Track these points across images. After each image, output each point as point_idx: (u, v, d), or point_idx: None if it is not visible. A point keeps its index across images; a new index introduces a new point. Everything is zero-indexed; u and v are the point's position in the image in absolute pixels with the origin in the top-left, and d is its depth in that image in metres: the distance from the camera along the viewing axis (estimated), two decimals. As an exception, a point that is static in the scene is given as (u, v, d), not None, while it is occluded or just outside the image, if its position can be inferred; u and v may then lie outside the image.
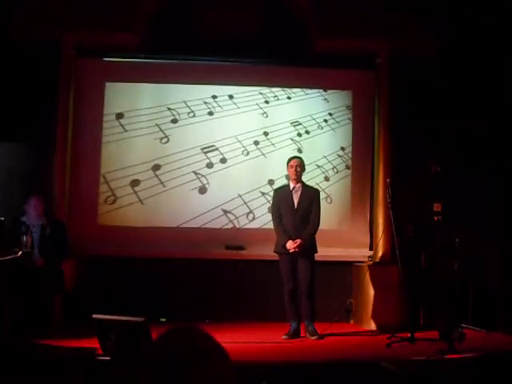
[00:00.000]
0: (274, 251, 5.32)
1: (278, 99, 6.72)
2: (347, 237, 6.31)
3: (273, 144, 6.65)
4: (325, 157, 6.60)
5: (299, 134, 6.65)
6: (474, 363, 3.99)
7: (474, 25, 6.06)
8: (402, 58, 6.21)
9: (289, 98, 6.72)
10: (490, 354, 4.30)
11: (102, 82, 6.36)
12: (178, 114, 6.50)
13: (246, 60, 6.55)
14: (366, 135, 6.53)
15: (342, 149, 6.62)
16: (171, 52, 6.43)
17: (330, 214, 6.16)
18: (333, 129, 6.69)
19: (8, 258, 4.68)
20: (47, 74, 6.01)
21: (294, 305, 5.22)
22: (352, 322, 6.14)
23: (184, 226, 6.20)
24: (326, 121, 6.70)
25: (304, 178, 5.55)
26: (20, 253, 4.74)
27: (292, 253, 5.14)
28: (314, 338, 5.09)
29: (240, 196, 6.43)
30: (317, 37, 6.23)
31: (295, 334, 5.16)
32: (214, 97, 6.63)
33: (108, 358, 3.52)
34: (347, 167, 6.57)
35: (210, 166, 6.46)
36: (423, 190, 6.09)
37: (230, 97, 6.62)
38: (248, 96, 6.69)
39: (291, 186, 5.38)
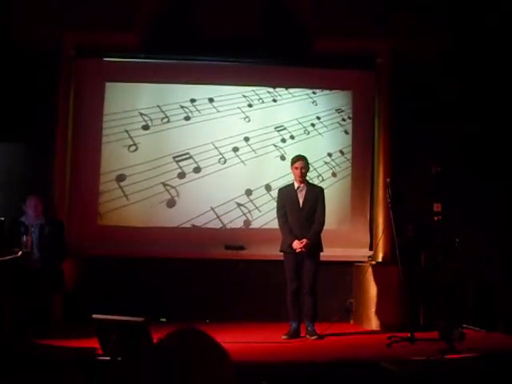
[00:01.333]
0: (280, 251, 5.32)
1: (262, 102, 6.57)
2: (347, 237, 6.31)
3: (254, 150, 6.46)
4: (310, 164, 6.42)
5: (283, 140, 6.50)
6: (473, 363, 3.99)
7: (474, 25, 6.06)
8: (401, 57, 6.21)
9: (274, 100, 6.58)
10: (490, 354, 4.30)
11: (102, 81, 6.36)
12: (151, 119, 6.39)
13: (246, 60, 6.54)
14: (365, 135, 6.52)
15: (329, 155, 6.50)
16: (171, 52, 6.43)
17: (330, 214, 6.13)
18: (320, 133, 6.55)
19: (8, 258, 4.68)
20: (47, 73, 6.01)
21: (296, 305, 5.22)
22: (352, 322, 6.14)
23: (184, 225, 6.19)
24: (313, 125, 6.57)
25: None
26: (20, 253, 4.75)
27: (298, 252, 5.14)
28: (313, 338, 5.09)
29: (213, 209, 6.25)
30: (317, 37, 6.23)
31: (295, 334, 5.16)
32: (193, 100, 6.46)
33: (108, 358, 3.52)
34: (333, 175, 6.47)
35: (181, 175, 6.29)
36: (423, 190, 6.09)
37: (210, 100, 6.46)
38: (229, 99, 6.53)
39: (296, 185, 5.39)
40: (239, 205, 6.31)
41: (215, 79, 6.48)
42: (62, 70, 6.08)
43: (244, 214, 6.27)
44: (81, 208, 6.13)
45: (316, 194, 5.36)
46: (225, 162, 6.40)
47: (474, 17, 6.05)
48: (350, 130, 6.61)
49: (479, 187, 5.91)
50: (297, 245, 5.14)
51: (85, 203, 6.17)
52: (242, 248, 6.17)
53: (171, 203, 6.23)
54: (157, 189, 6.23)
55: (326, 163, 6.48)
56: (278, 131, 6.54)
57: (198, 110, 6.46)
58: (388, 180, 5.48)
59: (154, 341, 1.06)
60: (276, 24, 6.39)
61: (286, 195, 5.40)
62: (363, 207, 6.44)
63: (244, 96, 6.56)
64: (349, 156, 6.54)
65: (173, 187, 6.26)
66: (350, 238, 6.31)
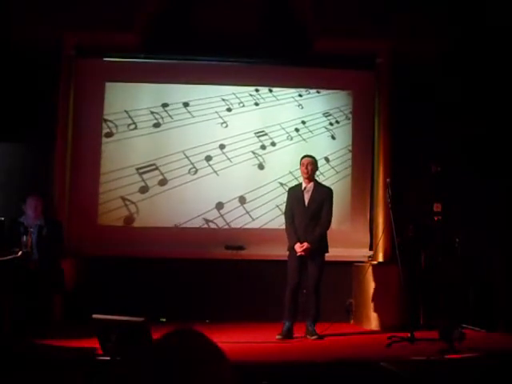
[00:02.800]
0: (287, 249, 5.31)
1: (243, 106, 6.39)
2: (347, 237, 6.30)
3: (229, 159, 6.27)
4: (290, 172, 6.25)
5: (263, 147, 6.36)
6: (473, 363, 3.99)
7: (474, 25, 6.05)
8: (402, 57, 6.21)
9: (256, 104, 6.45)
10: (490, 354, 4.30)
11: (102, 81, 6.36)
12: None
13: (246, 60, 6.54)
14: (365, 135, 6.52)
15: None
16: (171, 52, 6.42)
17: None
18: (304, 139, 6.43)
19: (8, 258, 4.68)
20: (47, 74, 6.01)
21: (293, 304, 5.22)
22: (352, 322, 6.14)
23: (184, 226, 6.19)
24: (297, 130, 6.46)
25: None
26: (20, 253, 4.75)
27: (298, 255, 5.15)
28: (313, 338, 5.09)
29: (177, 226, 6.11)
30: (317, 37, 6.23)
31: (288, 334, 5.14)
32: (165, 105, 6.29)
33: (108, 358, 3.52)
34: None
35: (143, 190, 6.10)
36: (423, 190, 6.09)
37: (185, 104, 6.32)
38: (205, 104, 6.34)
39: (303, 185, 5.38)
40: (207, 221, 6.13)
41: (215, 79, 6.47)
42: (61, 70, 6.08)
43: (213, 230, 6.07)
44: (81, 208, 6.13)
45: (323, 195, 5.33)
46: (196, 173, 6.19)
47: (474, 17, 6.05)
48: (336, 135, 6.51)
49: (479, 187, 5.91)
50: (298, 248, 5.15)
51: (85, 203, 6.16)
52: (241, 248, 6.17)
53: (129, 220, 6.09)
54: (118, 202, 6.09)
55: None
56: (258, 137, 6.35)
57: (170, 116, 6.28)
58: (388, 180, 5.47)
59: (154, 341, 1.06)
60: (276, 24, 6.39)
61: (293, 195, 5.40)
62: (363, 207, 6.44)
63: (223, 99, 6.30)
64: (334, 163, 6.45)
65: (132, 202, 6.08)
66: (350, 238, 6.31)
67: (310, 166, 5.35)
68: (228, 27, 6.22)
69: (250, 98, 6.46)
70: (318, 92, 6.59)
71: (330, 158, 6.46)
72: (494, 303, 5.81)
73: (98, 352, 3.78)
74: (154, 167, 6.16)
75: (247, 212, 6.18)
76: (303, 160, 5.38)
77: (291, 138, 6.45)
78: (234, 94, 6.44)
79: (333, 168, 6.45)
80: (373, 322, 5.77)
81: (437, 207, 5.98)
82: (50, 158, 6.02)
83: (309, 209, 5.28)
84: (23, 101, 5.99)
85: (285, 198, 5.70)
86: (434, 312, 5.73)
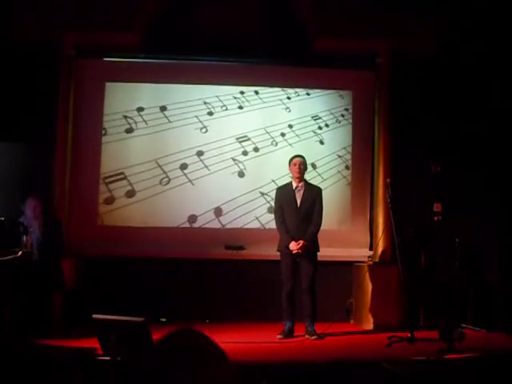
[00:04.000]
0: (277, 250, 5.32)
1: (226, 109, 6.22)
2: (347, 237, 6.30)
3: (206, 166, 6.13)
4: (273, 181, 6.10)
5: (245, 153, 6.24)
6: (473, 363, 3.99)
7: (474, 24, 6.05)
8: (402, 57, 6.21)
9: (240, 107, 6.33)
10: (490, 354, 4.30)
11: (102, 81, 6.35)
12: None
13: (246, 60, 6.53)
14: (365, 135, 6.52)
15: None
16: (171, 52, 6.42)
17: (330, 214, 6.13)
18: (290, 144, 6.32)
19: (8, 258, 4.68)
20: (47, 73, 6.01)
21: (291, 305, 5.23)
22: (352, 321, 6.14)
23: (184, 226, 6.19)
24: (283, 134, 6.27)
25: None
26: (20, 253, 4.75)
27: (295, 253, 5.15)
28: (313, 338, 5.09)
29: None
30: (317, 37, 6.23)
31: (289, 334, 5.17)
32: (141, 109, 6.16)
33: (108, 358, 3.52)
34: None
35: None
36: (423, 190, 6.09)
37: (163, 108, 6.19)
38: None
39: (294, 185, 5.38)
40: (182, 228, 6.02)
41: (214, 79, 6.46)
42: (61, 70, 6.08)
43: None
44: (81, 208, 6.13)
45: (314, 194, 5.35)
46: (168, 183, 6.06)
47: (474, 16, 6.05)
48: (324, 140, 6.43)
49: (479, 187, 5.91)
50: (293, 246, 5.14)
51: (85, 203, 6.16)
52: (241, 248, 6.17)
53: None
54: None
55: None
56: (240, 142, 6.21)
57: (145, 121, 6.20)
58: (388, 180, 5.47)
59: (154, 341, 1.06)
60: (276, 24, 6.39)
61: (283, 195, 5.39)
62: (363, 207, 6.44)
63: (204, 103, 6.16)
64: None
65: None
66: (350, 238, 6.31)
67: (302, 165, 5.36)
68: (228, 27, 6.22)
69: (234, 100, 6.36)
70: (308, 94, 6.51)
71: (318, 164, 6.34)
72: (493, 303, 5.81)
73: (97, 352, 3.78)
74: (122, 176, 6.04)
75: (223, 225, 6.09)
76: (295, 160, 5.38)
77: (276, 144, 6.36)
78: (217, 96, 6.31)
79: (319, 175, 6.32)
80: (373, 322, 5.76)
81: (437, 207, 5.99)
82: (50, 158, 6.02)
83: (301, 208, 5.28)
84: (23, 101, 5.99)
85: (266, 207, 5.69)
86: (434, 312, 5.73)
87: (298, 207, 5.29)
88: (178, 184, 6.11)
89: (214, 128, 6.25)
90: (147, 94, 6.41)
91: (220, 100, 6.29)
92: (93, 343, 3.87)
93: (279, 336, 5.12)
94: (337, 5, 6.13)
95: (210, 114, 6.27)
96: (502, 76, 6.09)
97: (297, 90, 6.50)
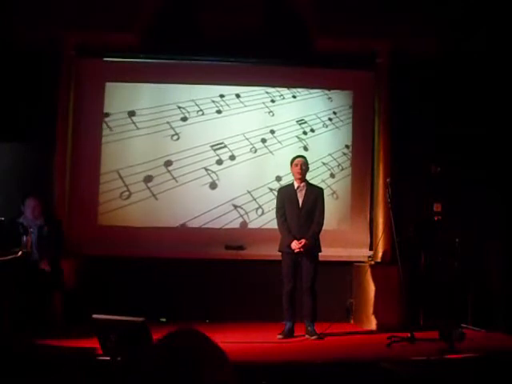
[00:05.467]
0: (279, 250, 5.32)
1: (202, 114, 6.22)
2: (347, 236, 6.30)
3: (178, 177, 6.15)
4: (249, 192, 6.11)
5: (219, 162, 6.18)
6: (473, 363, 3.99)
7: (474, 24, 6.06)
8: (402, 57, 6.21)
9: (219, 112, 6.32)
10: (490, 354, 4.30)
11: (102, 82, 6.35)
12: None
13: (246, 60, 6.52)
14: (365, 135, 6.51)
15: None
16: (171, 52, 6.42)
17: (330, 214, 6.12)
18: (271, 151, 6.27)
19: (8, 258, 4.68)
20: (47, 73, 6.01)
21: (292, 305, 5.23)
22: (352, 321, 6.14)
23: (184, 226, 6.19)
24: (264, 140, 6.26)
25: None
26: (20, 253, 4.75)
27: (296, 253, 5.15)
28: (313, 338, 5.09)
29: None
30: (317, 36, 6.23)
31: (289, 334, 5.17)
32: (106, 115, 6.19)
33: (108, 358, 3.52)
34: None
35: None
36: (423, 190, 6.09)
37: (131, 113, 6.15)
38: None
39: (295, 185, 5.39)
40: None
41: (214, 79, 6.46)
42: (61, 70, 6.08)
43: None
44: (81, 208, 6.13)
45: (316, 194, 5.36)
46: (129, 197, 6.07)
47: (474, 16, 6.05)
48: (309, 146, 6.37)
49: (479, 187, 5.91)
50: (295, 245, 5.15)
51: (85, 203, 6.16)
52: (241, 248, 6.17)
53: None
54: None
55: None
56: (215, 150, 6.19)
57: (109, 128, 6.19)
58: (388, 180, 5.47)
59: (154, 341, 1.06)
60: (276, 24, 6.38)
61: (285, 195, 5.40)
62: (363, 207, 6.43)
63: (177, 108, 6.20)
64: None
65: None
66: (350, 238, 6.30)
67: (304, 166, 5.37)
68: (228, 27, 6.21)
69: (213, 104, 6.30)
70: (294, 97, 6.46)
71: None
72: (493, 303, 5.81)
73: (97, 352, 3.78)
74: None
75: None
76: (296, 160, 5.39)
77: (255, 151, 6.30)
78: (192, 100, 6.27)
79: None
80: (373, 321, 5.77)
81: (437, 207, 5.99)
82: (49, 157, 6.02)
83: (303, 208, 5.29)
84: (23, 101, 5.99)
85: (238, 222, 5.88)
86: (434, 312, 5.73)
87: (300, 207, 5.29)
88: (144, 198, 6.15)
89: (186, 134, 6.18)
90: (147, 94, 6.41)
91: (196, 104, 6.23)
92: (93, 343, 3.87)
93: (279, 336, 5.12)
94: (337, 5, 6.13)
95: (184, 119, 6.24)
96: (501, 76, 6.09)
97: (282, 92, 6.46)
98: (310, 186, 5.45)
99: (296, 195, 5.33)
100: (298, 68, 6.59)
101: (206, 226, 6.07)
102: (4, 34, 5.91)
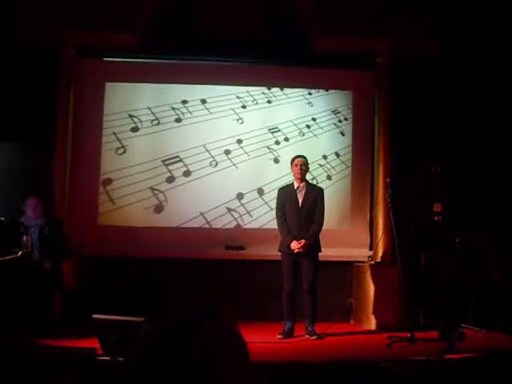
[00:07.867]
0: (279, 250, 5.32)
1: (256, 103, 6.30)
2: (347, 237, 6.30)
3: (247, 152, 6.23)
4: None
5: (277, 142, 6.31)
6: (473, 363, 3.99)
7: (474, 24, 6.06)
8: (402, 57, 6.21)
9: (269, 101, 6.36)
10: (490, 354, 4.30)
11: (102, 81, 6.35)
12: (141, 121, 6.46)
13: (246, 60, 6.52)
14: (365, 135, 6.51)
15: (324, 157, 6.35)
16: (171, 52, 6.42)
17: (330, 214, 6.12)
18: (316, 135, 6.36)
19: (8, 258, 4.68)
20: (47, 74, 6.00)
21: (292, 305, 5.24)
22: (352, 321, 6.14)
23: (184, 226, 6.19)
24: (308, 126, 6.36)
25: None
26: (20, 253, 4.75)
27: (296, 253, 5.15)
28: (313, 338, 5.09)
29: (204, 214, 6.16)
30: (317, 36, 6.23)
31: (289, 334, 5.17)
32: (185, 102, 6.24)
33: (108, 358, 3.52)
34: (328, 177, 6.32)
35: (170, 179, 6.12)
36: (423, 190, 6.09)
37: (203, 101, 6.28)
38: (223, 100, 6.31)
39: (295, 185, 5.39)
40: None
41: (214, 79, 6.45)
42: (61, 70, 6.08)
43: None
44: (81, 208, 6.13)
45: (316, 195, 5.36)
46: (216, 165, 6.18)
47: (474, 16, 6.05)
48: (346, 132, 6.51)
49: (479, 187, 5.91)
50: (295, 245, 5.15)
51: (85, 203, 6.16)
52: (241, 248, 6.17)
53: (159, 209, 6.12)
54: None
55: (320, 166, 6.38)
56: (272, 133, 6.34)
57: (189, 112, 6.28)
58: (388, 180, 5.47)
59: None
60: (276, 24, 6.38)
61: (285, 195, 5.40)
62: (363, 207, 6.43)
63: (238, 97, 6.34)
64: (344, 158, 6.45)
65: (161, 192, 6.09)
66: (350, 238, 6.30)
67: (304, 166, 5.37)
68: (228, 27, 6.22)
69: (263, 95, 6.37)
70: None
71: (341, 153, 6.43)
72: (493, 303, 5.81)
73: (98, 352, 3.78)
74: (178, 159, 6.16)
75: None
76: (296, 160, 5.39)
77: (303, 134, 6.38)
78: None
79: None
80: (373, 321, 5.77)
81: (437, 207, 5.98)
82: (50, 157, 6.02)
83: (303, 208, 5.29)
84: (23, 101, 5.99)
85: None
86: (434, 312, 5.73)
87: (300, 207, 5.29)
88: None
89: (248, 120, 6.32)
90: (147, 93, 6.41)
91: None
92: (93, 343, 3.88)
93: (279, 336, 5.13)
94: (337, 5, 6.13)
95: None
96: (501, 76, 6.09)
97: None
98: (309, 186, 5.45)
99: (296, 195, 5.33)
100: (298, 68, 6.59)
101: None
102: (4, 34, 5.90)
